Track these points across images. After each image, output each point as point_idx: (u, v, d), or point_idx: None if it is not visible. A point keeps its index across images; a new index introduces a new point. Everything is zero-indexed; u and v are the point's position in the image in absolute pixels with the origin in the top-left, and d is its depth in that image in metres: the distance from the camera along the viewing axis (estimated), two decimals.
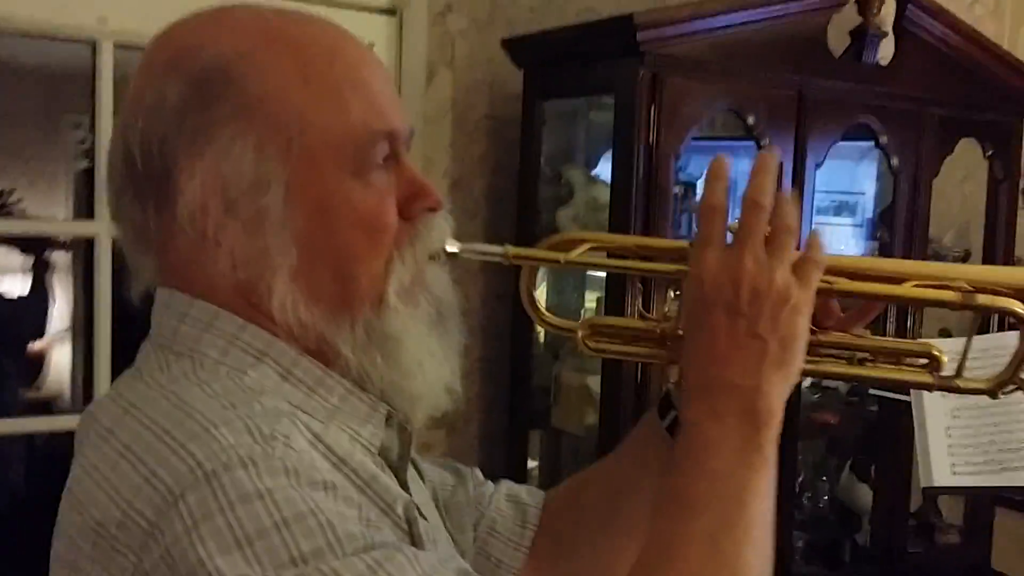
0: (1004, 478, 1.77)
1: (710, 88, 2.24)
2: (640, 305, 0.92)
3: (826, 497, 2.69)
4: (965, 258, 2.95)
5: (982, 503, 2.78)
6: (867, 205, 3.03)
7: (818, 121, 2.40)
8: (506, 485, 1.06)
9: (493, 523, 1.02)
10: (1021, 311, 0.85)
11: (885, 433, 2.61)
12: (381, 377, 0.80)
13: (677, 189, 2.31)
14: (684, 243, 0.87)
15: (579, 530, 1.01)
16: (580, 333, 0.91)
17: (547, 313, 0.91)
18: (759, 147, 2.33)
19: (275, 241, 0.75)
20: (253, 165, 0.75)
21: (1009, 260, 2.80)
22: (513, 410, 2.58)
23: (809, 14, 2.38)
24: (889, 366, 0.90)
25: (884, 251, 2.68)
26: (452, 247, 0.86)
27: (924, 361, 0.90)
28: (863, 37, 2.48)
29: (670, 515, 0.74)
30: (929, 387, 0.89)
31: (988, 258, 2.75)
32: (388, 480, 0.77)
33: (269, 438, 0.68)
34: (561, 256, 0.88)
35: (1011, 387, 0.88)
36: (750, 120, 2.29)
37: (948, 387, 0.89)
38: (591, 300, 2.54)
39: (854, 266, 0.87)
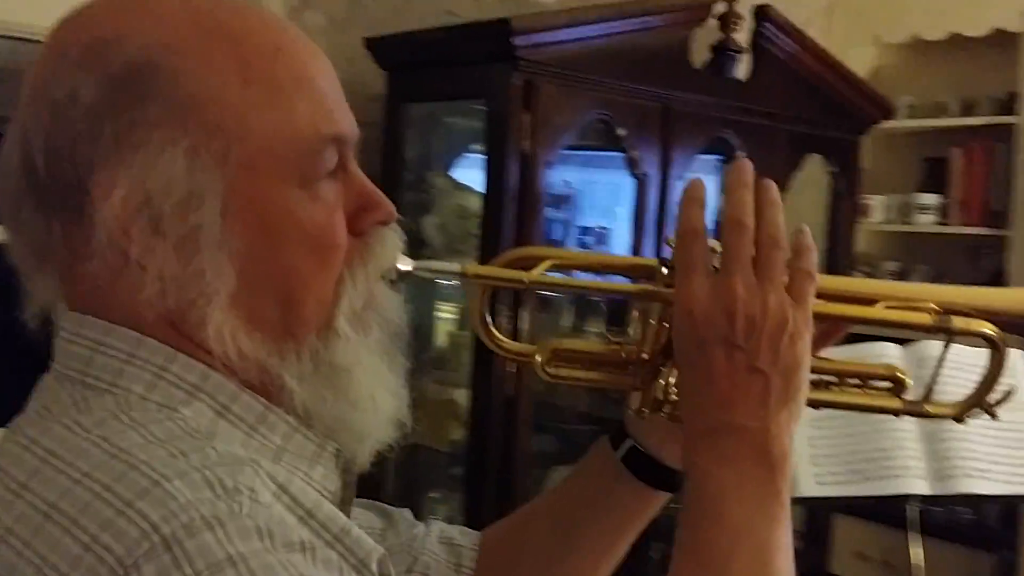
0: (867, 488, 1.81)
1: (582, 97, 2.21)
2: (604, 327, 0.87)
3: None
4: None
5: (821, 510, 2.87)
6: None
7: (683, 134, 2.41)
8: (438, 526, 0.97)
9: (427, 568, 0.93)
10: (993, 334, 0.83)
11: None
12: (329, 412, 0.70)
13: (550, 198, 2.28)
14: (652, 260, 0.82)
15: (522, 571, 0.94)
16: (538, 359, 0.83)
17: (502, 338, 0.83)
18: (628, 158, 2.33)
19: (211, 263, 0.65)
20: (185, 176, 0.64)
21: (850, 271, 2.92)
22: None
23: (674, 27, 2.40)
24: (855, 390, 0.86)
25: None
26: (405, 265, 0.76)
27: (888, 384, 0.87)
28: (723, 52, 2.52)
29: (690, 571, 0.68)
30: (897, 412, 0.87)
31: (831, 271, 2.84)
32: (359, 532, 0.67)
33: (233, 492, 0.57)
34: (524, 276, 0.80)
35: (978, 411, 0.86)
36: (619, 131, 2.28)
37: (916, 412, 0.87)
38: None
39: (827, 286, 0.83)
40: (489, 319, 0.83)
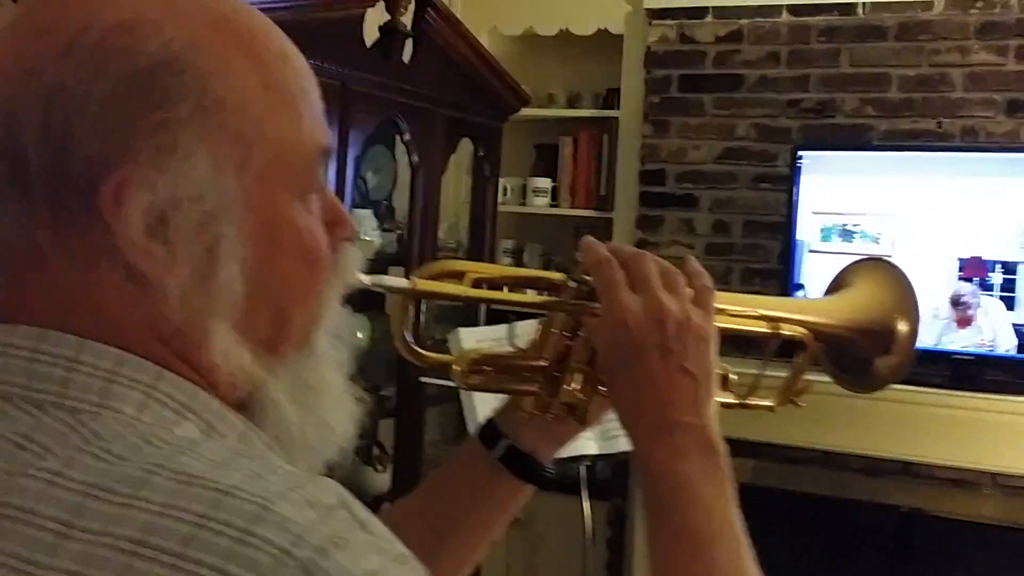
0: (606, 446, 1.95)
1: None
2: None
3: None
4: (457, 249, 3.19)
5: None
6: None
7: (359, 114, 2.43)
8: None
9: None
10: (806, 339, 0.97)
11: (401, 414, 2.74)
12: (299, 431, 0.68)
13: None
14: (558, 275, 0.87)
15: None
16: (456, 368, 0.86)
17: (421, 350, 0.85)
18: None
19: (226, 277, 0.61)
20: (210, 183, 0.60)
21: (493, 252, 3.10)
22: None
23: (347, 4, 2.40)
24: None
25: (401, 243, 2.80)
26: (364, 280, 0.75)
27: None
28: (390, 35, 2.56)
29: (687, 552, 0.74)
30: (731, 405, 0.99)
31: (476, 248, 3.01)
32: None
33: (333, 509, 0.55)
34: (464, 292, 0.83)
35: (787, 403, 1.01)
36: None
37: (745, 404, 1.00)
38: None
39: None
40: (409, 332, 0.84)
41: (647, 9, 3.56)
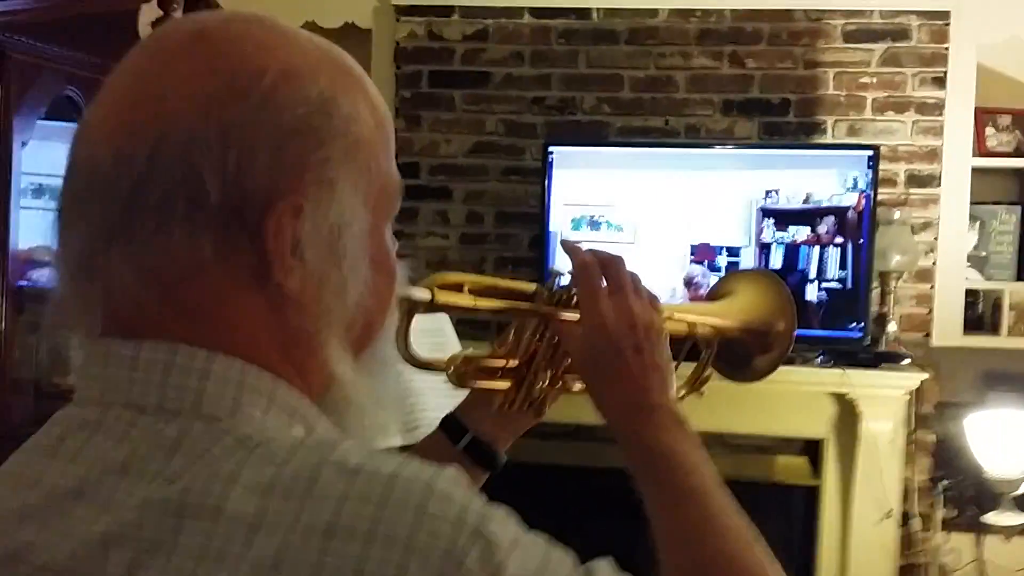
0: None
1: (57, 68, 2.05)
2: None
3: None
4: None
5: None
6: None
7: None
8: None
9: None
10: (712, 338, 1.11)
11: None
12: (372, 429, 0.76)
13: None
14: (530, 285, 0.99)
15: None
16: (450, 369, 0.96)
17: (416, 353, 0.92)
18: None
19: (353, 294, 0.70)
20: (352, 213, 0.68)
21: None
22: None
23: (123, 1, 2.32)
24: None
25: None
26: (412, 293, 0.86)
27: None
28: None
29: (691, 504, 0.85)
30: None
31: None
32: None
33: (467, 486, 0.64)
34: (470, 302, 0.93)
35: (693, 392, 1.14)
36: (83, 106, 2.16)
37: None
38: None
39: None
40: (407, 335, 0.92)
41: (395, 5, 3.65)
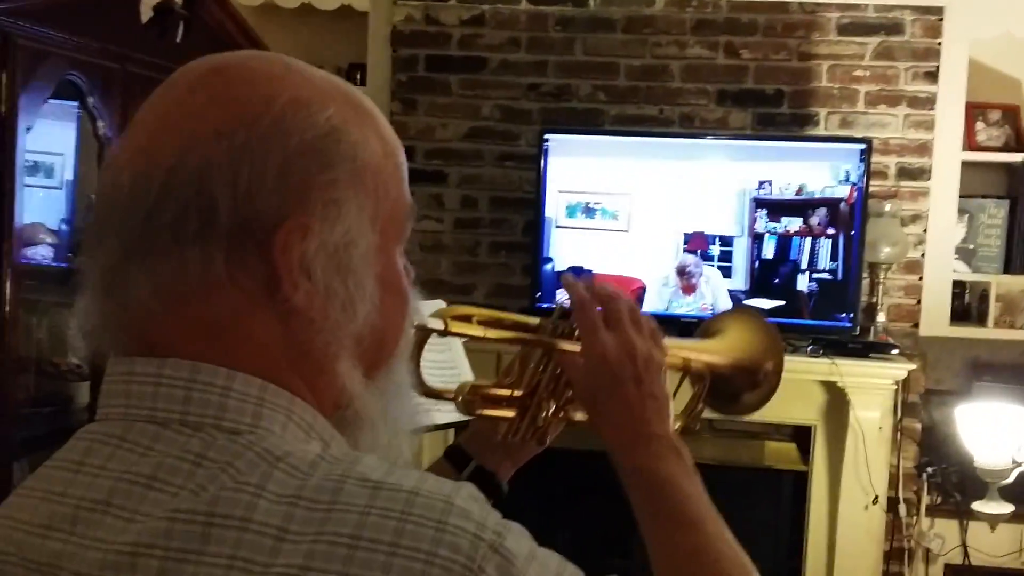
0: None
1: (61, 53, 2.06)
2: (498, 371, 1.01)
3: None
4: None
5: None
6: (66, 166, 3.00)
7: (139, 96, 2.36)
8: None
9: None
10: (704, 373, 1.13)
11: None
12: (384, 446, 0.79)
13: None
14: (533, 319, 1.02)
15: None
16: (459, 398, 0.99)
17: (426, 381, 0.96)
18: (91, 117, 2.22)
19: (362, 312, 0.72)
20: (359, 233, 0.71)
21: None
22: None
23: None
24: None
25: None
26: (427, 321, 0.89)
27: None
28: (164, 14, 2.50)
29: (684, 532, 0.89)
30: None
31: None
32: None
33: (483, 502, 0.67)
34: (480, 332, 0.97)
35: (687, 425, 1.17)
36: (86, 91, 2.17)
37: None
38: None
39: None
40: (419, 364, 0.95)
41: None
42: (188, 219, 0.67)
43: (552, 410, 1.03)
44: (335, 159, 0.70)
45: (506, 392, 1.03)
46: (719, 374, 1.14)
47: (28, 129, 2.07)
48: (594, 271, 3.35)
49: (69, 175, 2.85)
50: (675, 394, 1.06)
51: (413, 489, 0.64)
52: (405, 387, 0.83)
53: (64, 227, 2.79)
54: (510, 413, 1.03)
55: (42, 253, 2.66)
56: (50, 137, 2.79)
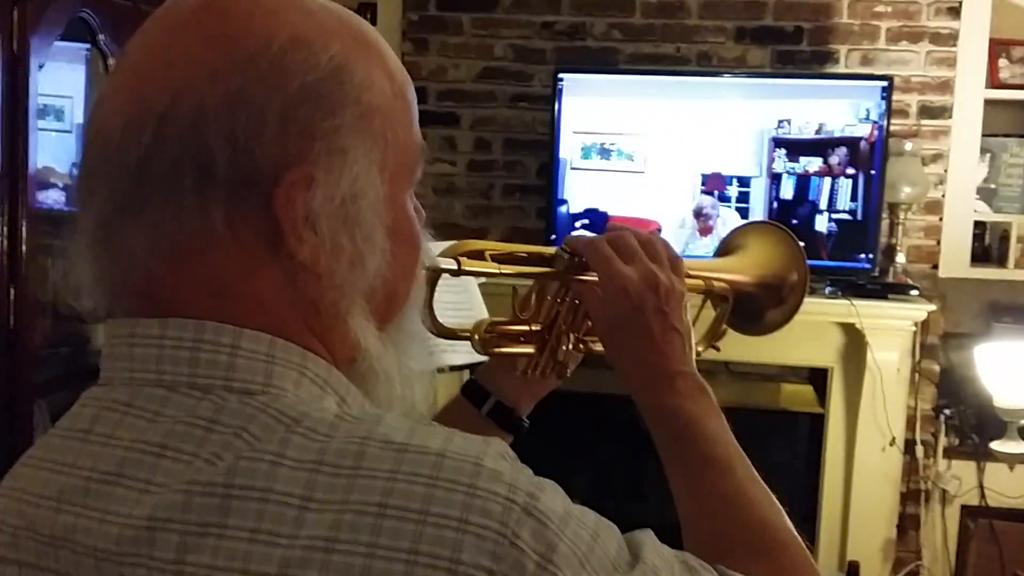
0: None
1: None
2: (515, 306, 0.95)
3: None
4: None
5: None
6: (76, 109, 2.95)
7: None
8: None
9: None
10: (727, 293, 1.10)
11: None
12: (399, 399, 0.76)
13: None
14: (550, 249, 0.98)
15: None
16: (476, 337, 0.96)
17: (441, 322, 0.92)
18: (102, 55, 2.18)
19: (372, 264, 0.69)
20: (367, 182, 0.67)
21: None
22: None
23: None
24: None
25: None
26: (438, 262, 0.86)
27: None
28: None
29: (713, 474, 0.85)
30: None
31: None
32: None
33: (513, 459, 0.64)
34: (494, 268, 0.93)
35: (710, 347, 1.14)
36: (97, 28, 2.13)
37: None
38: None
39: None
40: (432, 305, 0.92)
41: None
42: (183, 170, 0.63)
43: (572, 342, 1.00)
44: (339, 103, 0.66)
45: (524, 327, 0.99)
46: (742, 292, 1.10)
47: (40, 67, 2.03)
48: (609, 213, 3.32)
49: (79, 118, 2.82)
50: (697, 317, 1.03)
51: (440, 451, 0.61)
52: (419, 333, 0.80)
53: (75, 171, 2.76)
54: (529, 349, 1.00)
55: (53, 197, 2.64)
56: (59, 79, 2.75)
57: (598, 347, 1.00)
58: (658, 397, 0.90)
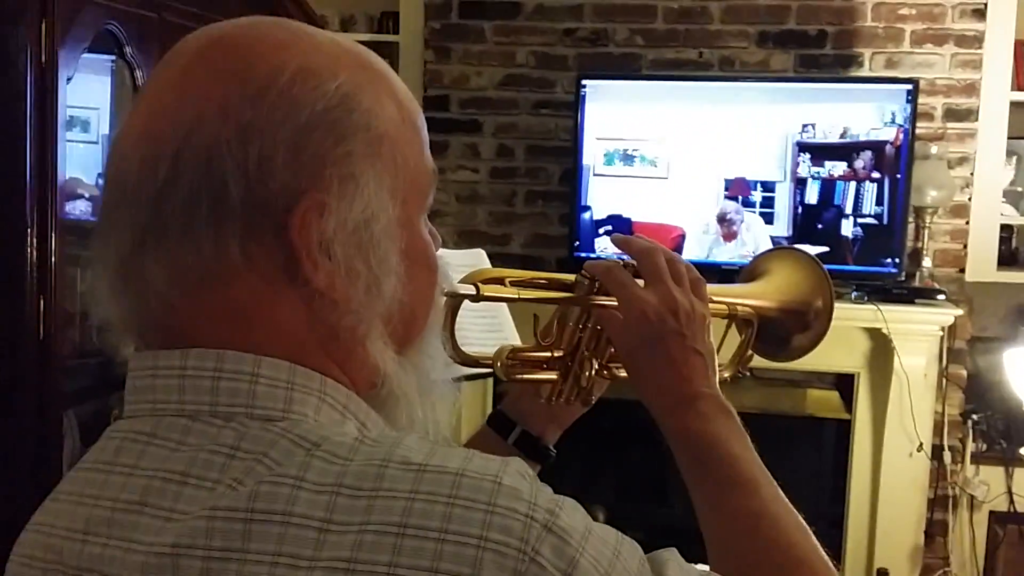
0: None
1: (99, 2, 2.03)
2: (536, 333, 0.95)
3: None
4: None
5: None
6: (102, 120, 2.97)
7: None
8: None
9: None
10: (752, 318, 1.08)
11: None
12: (422, 422, 0.76)
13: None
14: (570, 276, 0.98)
15: None
16: (498, 364, 0.95)
17: (463, 349, 0.92)
18: (128, 67, 2.20)
19: (387, 288, 0.70)
20: (379, 207, 0.68)
21: None
22: None
23: None
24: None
25: None
26: (457, 287, 0.85)
27: None
28: None
29: (738, 496, 0.84)
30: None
31: None
32: None
33: (532, 478, 0.64)
34: (514, 293, 0.93)
35: (738, 372, 1.13)
36: (123, 40, 2.15)
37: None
38: None
39: None
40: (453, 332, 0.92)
41: None
42: (198, 203, 0.64)
43: (595, 369, 0.99)
44: (349, 130, 0.67)
45: (546, 354, 0.99)
46: (767, 318, 1.09)
47: (68, 79, 2.05)
48: (632, 219, 3.31)
49: (105, 129, 2.84)
50: (722, 342, 1.02)
51: (458, 470, 0.61)
52: (439, 357, 0.80)
53: (101, 182, 2.78)
54: (552, 375, 0.99)
55: (81, 208, 2.66)
56: (86, 91, 2.77)
57: (622, 373, 0.99)
58: (680, 420, 0.90)
